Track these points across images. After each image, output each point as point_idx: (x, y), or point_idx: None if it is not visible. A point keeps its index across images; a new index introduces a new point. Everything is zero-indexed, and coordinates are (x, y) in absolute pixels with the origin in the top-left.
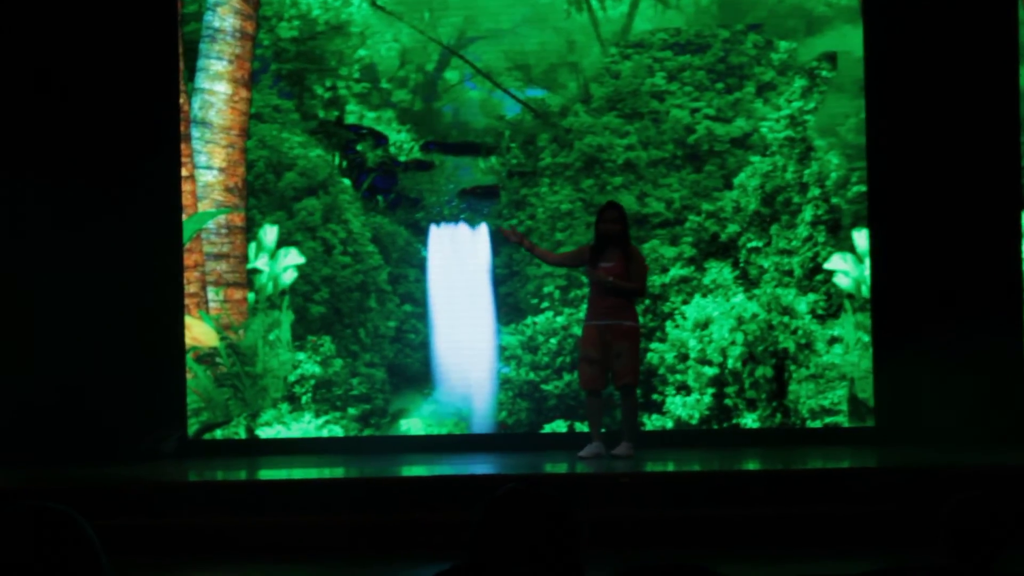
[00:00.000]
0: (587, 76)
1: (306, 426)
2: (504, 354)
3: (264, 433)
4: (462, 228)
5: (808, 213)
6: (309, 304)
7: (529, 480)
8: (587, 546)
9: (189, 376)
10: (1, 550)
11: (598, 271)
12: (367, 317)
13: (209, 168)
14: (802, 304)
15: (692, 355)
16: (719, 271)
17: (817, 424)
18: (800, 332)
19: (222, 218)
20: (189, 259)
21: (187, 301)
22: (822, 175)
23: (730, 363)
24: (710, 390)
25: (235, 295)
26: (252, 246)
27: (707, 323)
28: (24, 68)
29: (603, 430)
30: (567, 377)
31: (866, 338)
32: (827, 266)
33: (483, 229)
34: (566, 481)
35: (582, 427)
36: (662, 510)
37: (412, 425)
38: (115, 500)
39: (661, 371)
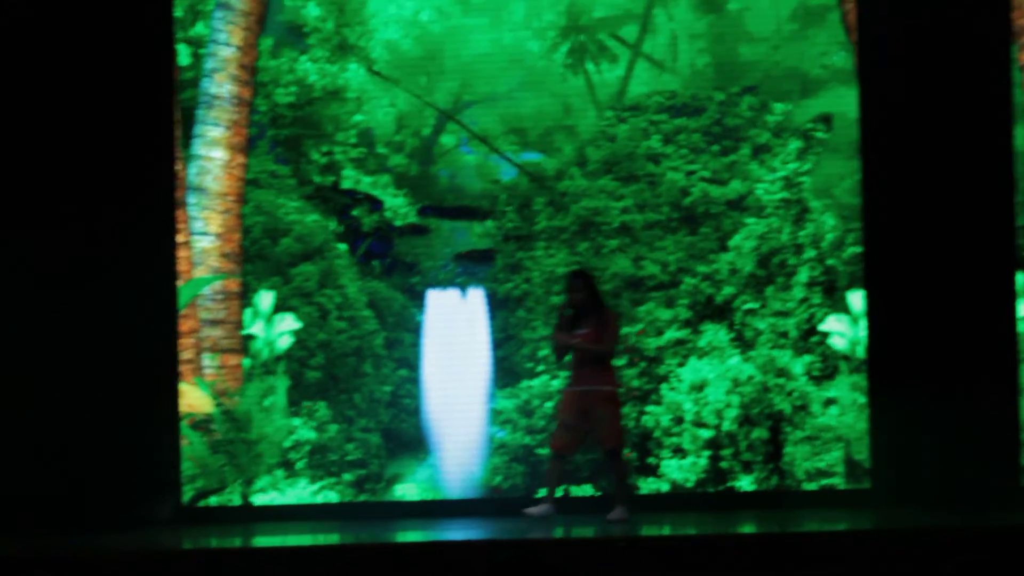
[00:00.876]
0: (583, 139)
1: (301, 492)
2: (499, 418)
3: (259, 500)
4: (458, 292)
5: (804, 274)
6: (305, 369)
7: (526, 546)
8: None
9: (184, 443)
10: None
11: (570, 338)
12: (363, 382)
13: (205, 234)
14: (798, 366)
15: (688, 417)
16: (714, 333)
17: (813, 486)
18: (796, 394)
19: (218, 284)
20: (184, 325)
21: (182, 367)
22: (818, 236)
23: (726, 425)
24: (706, 452)
25: (230, 361)
26: (248, 312)
27: (703, 385)
28: (21, 131)
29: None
30: None
31: (862, 399)
32: (823, 327)
33: (478, 293)
34: (562, 546)
35: (578, 491)
36: (658, 574)
37: (407, 490)
38: (110, 568)
39: (657, 434)
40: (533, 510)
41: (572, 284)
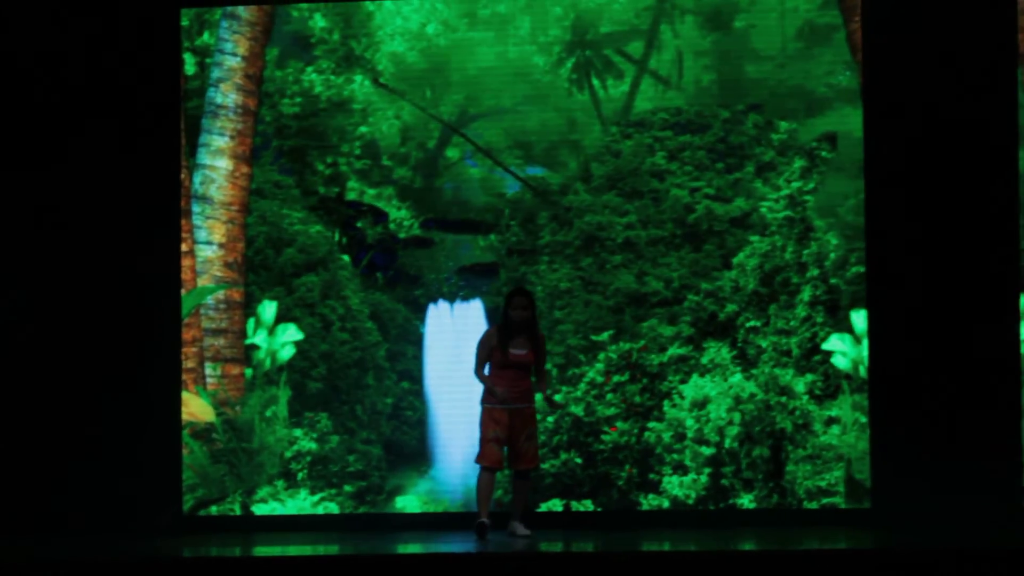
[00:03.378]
0: (587, 155)
1: (302, 503)
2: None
3: (259, 510)
4: (460, 306)
5: (807, 293)
6: (307, 380)
7: (526, 560)
8: None
9: (185, 452)
10: None
11: (511, 358)
12: (364, 394)
13: (209, 243)
14: (800, 384)
15: (689, 435)
16: (717, 351)
17: (814, 505)
18: (798, 412)
19: (221, 294)
20: (187, 334)
21: (184, 376)
22: (821, 255)
23: (727, 443)
24: (707, 470)
25: (232, 371)
26: (251, 322)
27: (704, 402)
28: (25, 139)
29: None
30: (564, 456)
31: (863, 419)
32: (825, 346)
33: (478, 305)
34: (562, 560)
35: (579, 506)
36: None
37: (408, 502)
38: (109, 575)
39: (658, 450)
40: (481, 529)
41: (517, 301)
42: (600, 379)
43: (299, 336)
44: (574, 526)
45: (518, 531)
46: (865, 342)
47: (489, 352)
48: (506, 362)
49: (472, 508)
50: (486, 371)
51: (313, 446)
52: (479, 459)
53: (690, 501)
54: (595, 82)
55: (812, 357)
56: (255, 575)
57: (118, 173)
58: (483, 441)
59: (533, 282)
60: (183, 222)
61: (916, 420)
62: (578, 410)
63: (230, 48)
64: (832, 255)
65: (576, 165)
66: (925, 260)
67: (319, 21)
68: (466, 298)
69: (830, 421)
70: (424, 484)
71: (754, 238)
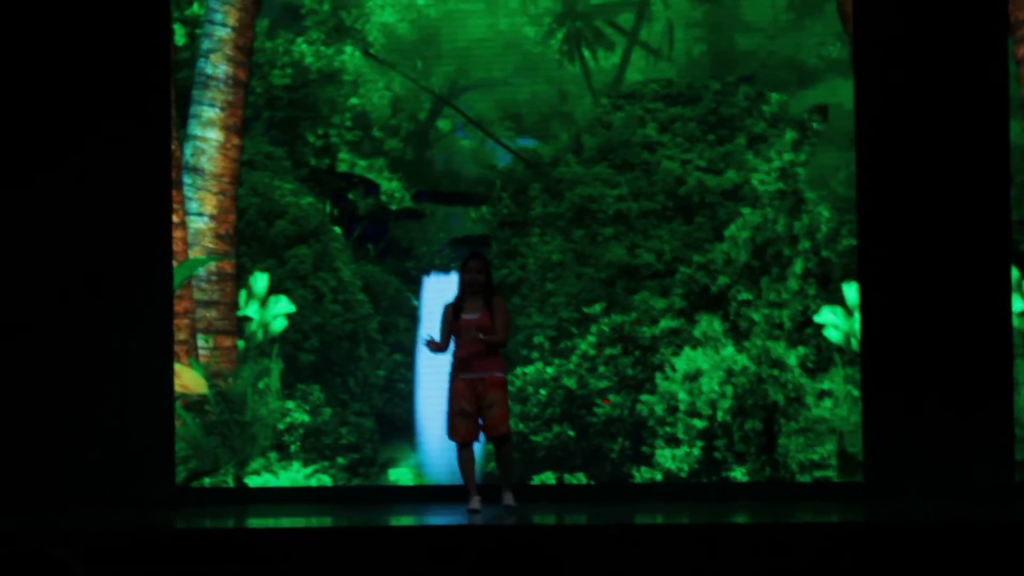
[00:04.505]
0: (579, 127)
1: (295, 475)
2: None
3: (252, 481)
4: (453, 278)
5: (798, 266)
6: (299, 352)
7: (518, 532)
8: None
9: (178, 423)
10: None
11: (462, 323)
12: (357, 366)
13: (200, 215)
14: (792, 357)
15: (681, 407)
16: (709, 323)
17: (806, 478)
18: (790, 385)
19: (212, 265)
20: (179, 306)
21: (176, 348)
22: (813, 228)
23: (719, 416)
24: (699, 443)
25: (225, 343)
26: (242, 294)
27: (697, 375)
28: (13, 111)
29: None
30: (556, 428)
31: (856, 392)
32: (817, 319)
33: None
34: (555, 533)
35: (571, 478)
36: (652, 562)
37: (401, 475)
38: (102, 546)
39: (650, 423)
40: (472, 505)
41: (471, 265)
42: (592, 352)
43: (291, 308)
44: (567, 499)
45: (504, 501)
46: (857, 315)
47: (448, 321)
48: (463, 328)
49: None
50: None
51: (306, 418)
52: (450, 435)
53: (683, 474)
54: (586, 53)
55: (804, 330)
56: (248, 547)
57: (107, 145)
58: (450, 416)
59: (524, 254)
60: (174, 193)
61: (909, 393)
62: (570, 383)
63: (220, 19)
64: (824, 227)
65: (567, 137)
66: (917, 232)
67: None
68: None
69: (822, 394)
70: (416, 457)
71: (745, 210)
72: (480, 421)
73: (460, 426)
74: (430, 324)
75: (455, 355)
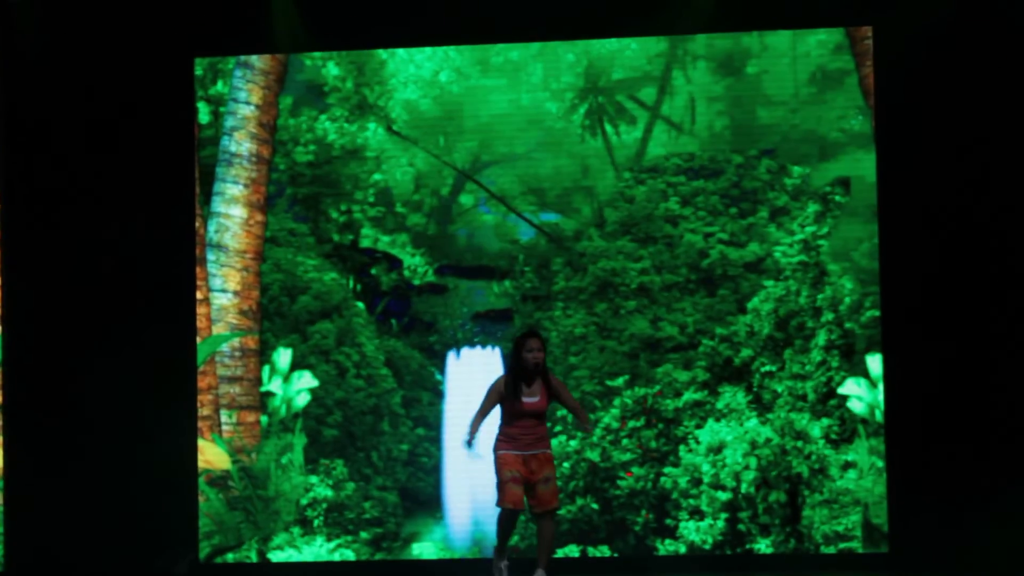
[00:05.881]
0: (601, 200)
1: (318, 550)
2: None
3: (276, 557)
4: (477, 352)
5: (822, 338)
6: (322, 427)
7: None
8: None
9: (201, 499)
10: None
11: (523, 406)
12: (380, 440)
13: (224, 291)
14: (816, 429)
15: (706, 480)
16: (732, 395)
17: (831, 550)
18: (814, 457)
19: (236, 341)
20: (203, 382)
21: (200, 424)
22: (836, 300)
23: (744, 488)
24: (723, 515)
25: (248, 418)
26: (266, 369)
27: (720, 447)
28: (43, 186)
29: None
30: (580, 501)
31: (880, 463)
32: (841, 391)
33: (496, 353)
34: None
35: (595, 552)
36: None
37: (424, 549)
38: None
39: (675, 495)
40: (502, 567)
41: (532, 343)
42: (616, 424)
43: (314, 383)
44: (591, 572)
45: None
46: (881, 386)
47: (498, 400)
48: (520, 411)
49: (486, 555)
50: (498, 422)
51: (329, 493)
52: (500, 502)
53: (707, 546)
54: (608, 128)
55: (828, 401)
56: None
57: (133, 221)
58: (500, 484)
59: (547, 328)
60: (198, 270)
61: (933, 464)
62: (594, 456)
63: (244, 97)
64: (847, 299)
65: (590, 211)
66: (940, 303)
67: (332, 69)
68: (484, 344)
69: (847, 465)
70: (440, 531)
71: (768, 283)
72: (526, 497)
73: (513, 492)
74: (454, 399)
75: (506, 431)
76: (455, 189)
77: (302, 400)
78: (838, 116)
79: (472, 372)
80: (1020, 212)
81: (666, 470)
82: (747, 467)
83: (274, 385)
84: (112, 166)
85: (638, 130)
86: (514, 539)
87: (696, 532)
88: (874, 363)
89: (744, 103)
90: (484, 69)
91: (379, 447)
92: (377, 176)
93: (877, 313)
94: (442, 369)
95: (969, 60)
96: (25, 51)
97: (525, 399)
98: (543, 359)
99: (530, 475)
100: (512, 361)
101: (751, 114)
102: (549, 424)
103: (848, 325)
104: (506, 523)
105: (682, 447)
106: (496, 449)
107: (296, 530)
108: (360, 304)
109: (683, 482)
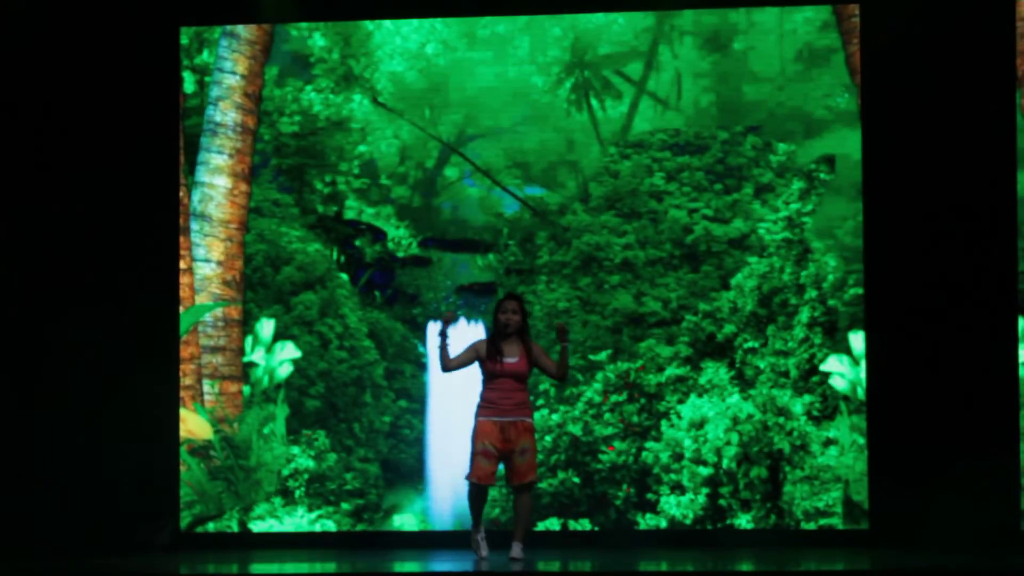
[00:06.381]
0: (586, 175)
1: (299, 520)
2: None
3: (257, 527)
4: (460, 325)
5: (805, 315)
6: (304, 398)
7: None
8: None
9: (183, 468)
10: None
11: (502, 366)
12: (362, 412)
13: (207, 261)
14: (797, 405)
15: (687, 455)
16: (715, 371)
17: (811, 526)
18: (795, 433)
19: (219, 311)
20: (185, 351)
21: (182, 393)
22: (819, 277)
23: (725, 463)
24: (704, 490)
25: (230, 388)
26: (248, 339)
27: (702, 423)
28: (26, 154)
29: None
30: (561, 475)
31: (861, 440)
32: (823, 368)
33: (479, 327)
34: None
35: (576, 525)
36: None
37: (405, 521)
38: None
39: (656, 470)
40: (482, 552)
41: (508, 305)
42: (598, 399)
43: (297, 354)
44: (571, 545)
45: (512, 553)
46: (863, 363)
47: (474, 356)
48: (499, 372)
49: (467, 527)
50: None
51: (310, 464)
52: (468, 475)
53: (687, 521)
54: (594, 103)
55: (810, 378)
56: None
57: (116, 191)
58: (472, 455)
59: (531, 301)
60: (181, 240)
61: (914, 441)
62: (576, 429)
63: (229, 67)
64: (830, 276)
65: (575, 185)
66: (923, 282)
67: (318, 40)
68: (466, 316)
69: (828, 442)
70: (421, 502)
71: (752, 259)
72: (502, 465)
73: (480, 466)
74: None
75: (486, 396)
76: (440, 162)
77: (284, 371)
78: (824, 94)
79: (455, 345)
80: (1004, 190)
81: (648, 445)
82: (728, 443)
83: (257, 355)
84: (96, 135)
85: (624, 105)
86: (495, 511)
87: (677, 507)
88: (857, 340)
89: (730, 79)
90: (470, 42)
91: (361, 419)
92: (362, 148)
93: (860, 291)
94: (425, 341)
95: (955, 39)
96: (9, 19)
97: (505, 360)
98: (517, 321)
99: (507, 445)
100: (492, 322)
101: (737, 90)
102: (532, 398)
103: (831, 302)
104: (475, 497)
105: (664, 422)
106: (476, 415)
107: (277, 500)
108: (344, 276)
109: (664, 457)
